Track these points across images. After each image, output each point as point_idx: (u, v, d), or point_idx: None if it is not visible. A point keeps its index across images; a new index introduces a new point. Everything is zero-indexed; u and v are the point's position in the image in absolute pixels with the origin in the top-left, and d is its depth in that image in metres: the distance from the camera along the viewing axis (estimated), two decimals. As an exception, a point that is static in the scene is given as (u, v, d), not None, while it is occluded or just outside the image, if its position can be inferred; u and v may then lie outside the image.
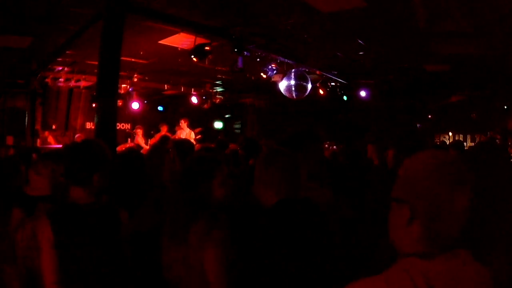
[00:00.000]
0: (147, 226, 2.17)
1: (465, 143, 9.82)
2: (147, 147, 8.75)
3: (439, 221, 0.95)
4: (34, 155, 4.90)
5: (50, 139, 9.37)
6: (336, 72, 8.46)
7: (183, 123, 9.38)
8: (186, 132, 9.24)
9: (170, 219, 1.83)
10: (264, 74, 7.04)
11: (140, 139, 9.47)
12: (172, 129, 9.60)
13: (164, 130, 9.26)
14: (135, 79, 9.01)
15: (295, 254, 1.56)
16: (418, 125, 12.04)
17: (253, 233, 1.64)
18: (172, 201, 1.87)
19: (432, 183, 0.96)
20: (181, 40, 5.75)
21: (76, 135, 8.11)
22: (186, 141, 3.42)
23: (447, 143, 10.37)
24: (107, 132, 3.95)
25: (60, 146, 8.23)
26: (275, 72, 7.09)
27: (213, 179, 1.80)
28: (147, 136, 10.03)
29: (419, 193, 0.97)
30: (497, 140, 8.63)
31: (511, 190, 2.22)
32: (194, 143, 8.64)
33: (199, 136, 9.47)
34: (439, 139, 11.89)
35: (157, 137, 8.11)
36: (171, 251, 1.79)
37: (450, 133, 11.88)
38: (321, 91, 8.73)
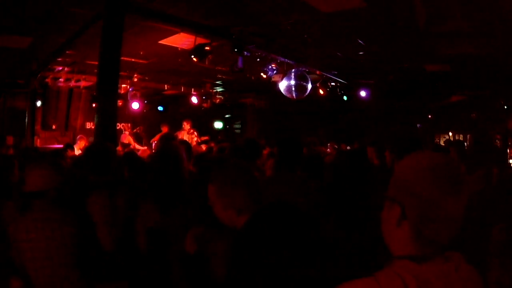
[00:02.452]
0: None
1: (465, 143, 9.81)
2: (142, 147, 8.69)
3: (428, 224, 0.94)
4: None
5: (38, 142, 9.24)
6: (336, 72, 8.45)
7: (186, 125, 9.32)
8: (188, 134, 9.18)
9: (176, 218, 1.83)
10: (264, 74, 7.03)
11: (129, 138, 9.26)
12: (173, 129, 9.55)
13: (165, 130, 9.20)
14: (135, 79, 9.00)
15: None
16: (418, 125, 12.03)
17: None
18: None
19: (423, 185, 0.94)
20: (181, 40, 5.75)
21: (78, 136, 8.06)
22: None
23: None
24: (107, 132, 3.96)
25: (61, 146, 8.23)
26: (275, 72, 7.07)
27: None
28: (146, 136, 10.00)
29: (410, 194, 0.95)
30: (497, 140, 8.62)
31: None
32: (194, 143, 8.64)
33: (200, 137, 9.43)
34: (439, 139, 11.88)
35: (158, 137, 8.07)
36: (173, 250, 1.80)
37: (450, 133, 11.87)
38: (321, 91, 8.72)
